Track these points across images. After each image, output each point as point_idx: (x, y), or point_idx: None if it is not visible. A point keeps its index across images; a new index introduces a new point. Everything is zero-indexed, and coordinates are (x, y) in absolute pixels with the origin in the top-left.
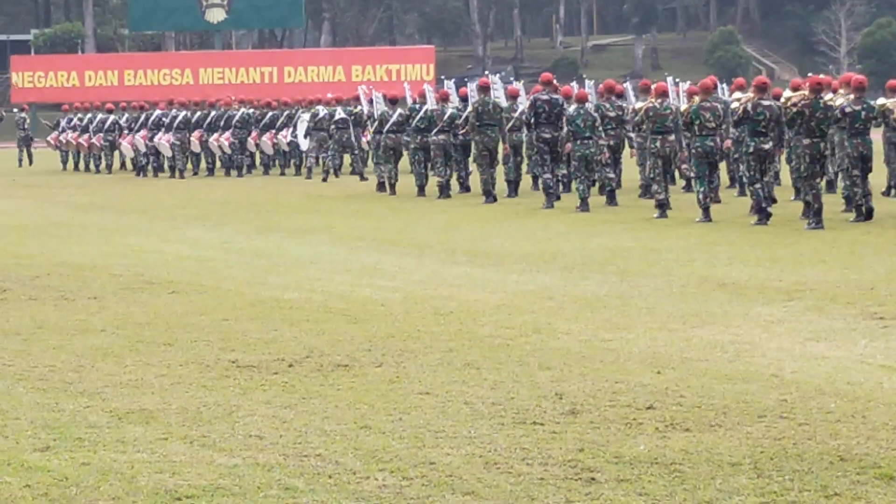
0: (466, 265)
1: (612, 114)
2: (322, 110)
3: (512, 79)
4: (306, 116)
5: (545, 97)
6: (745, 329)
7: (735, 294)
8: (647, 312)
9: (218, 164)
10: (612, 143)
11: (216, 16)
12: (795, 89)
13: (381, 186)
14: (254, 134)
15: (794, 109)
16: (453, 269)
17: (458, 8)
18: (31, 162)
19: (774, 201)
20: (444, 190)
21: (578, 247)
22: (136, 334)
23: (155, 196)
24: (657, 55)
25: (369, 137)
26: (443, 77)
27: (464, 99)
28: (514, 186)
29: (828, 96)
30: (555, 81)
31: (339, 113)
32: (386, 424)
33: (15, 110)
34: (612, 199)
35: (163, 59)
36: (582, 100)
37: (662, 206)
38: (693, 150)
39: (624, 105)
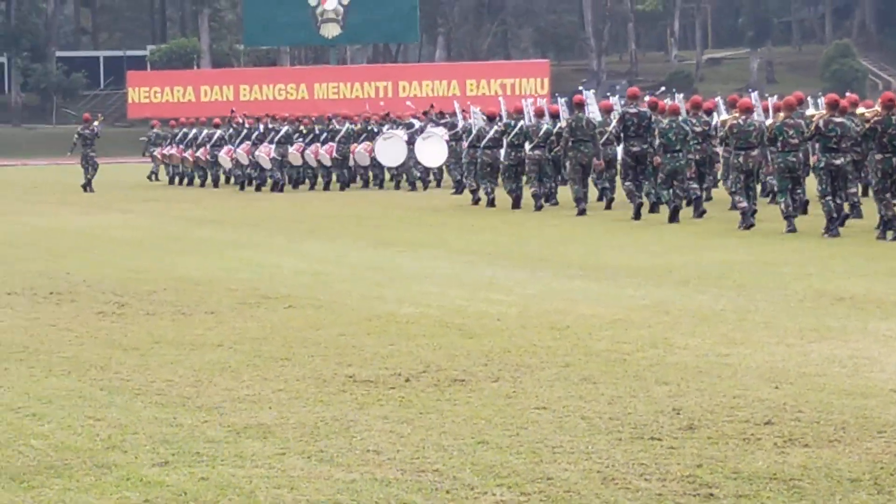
0: (581, 279)
1: (698, 129)
2: (417, 122)
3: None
4: (398, 132)
5: (633, 110)
6: (864, 343)
7: (853, 308)
8: (765, 327)
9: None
10: (698, 157)
11: (331, 31)
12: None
13: (476, 200)
14: (352, 146)
15: (868, 125)
16: (568, 284)
17: (572, 22)
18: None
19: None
20: (538, 202)
21: (693, 260)
22: (253, 349)
23: (269, 210)
24: (772, 69)
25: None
26: (556, 94)
27: (554, 116)
28: (609, 201)
29: None
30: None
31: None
32: (503, 439)
33: (155, 127)
34: (698, 212)
35: (278, 74)
36: (675, 113)
37: (744, 214)
38: (776, 166)
39: (710, 120)
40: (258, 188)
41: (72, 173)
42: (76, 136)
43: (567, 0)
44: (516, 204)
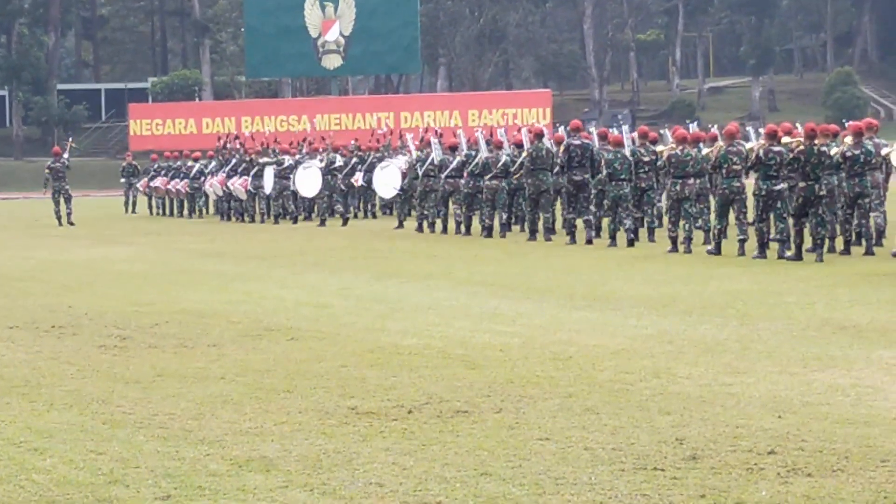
0: (585, 310)
1: (646, 158)
2: (288, 159)
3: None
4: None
5: (577, 142)
6: (868, 372)
7: (856, 337)
8: (768, 356)
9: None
10: (643, 185)
11: (333, 62)
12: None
13: (420, 227)
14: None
15: (792, 155)
16: (572, 314)
17: (574, 52)
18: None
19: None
20: (489, 231)
21: (697, 290)
22: (255, 381)
23: (273, 242)
24: (774, 97)
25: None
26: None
27: (518, 145)
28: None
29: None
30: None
31: (339, 161)
32: (506, 471)
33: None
34: (641, 237)
35: (280, 106)
36: (619, 144)
37: (674, 242)
38: (720, 191)
39: (656, 150)
40: (240, 218)
41: (74, 206)
42: (46, 170)
43: (568, 29)
44: (466, 231)
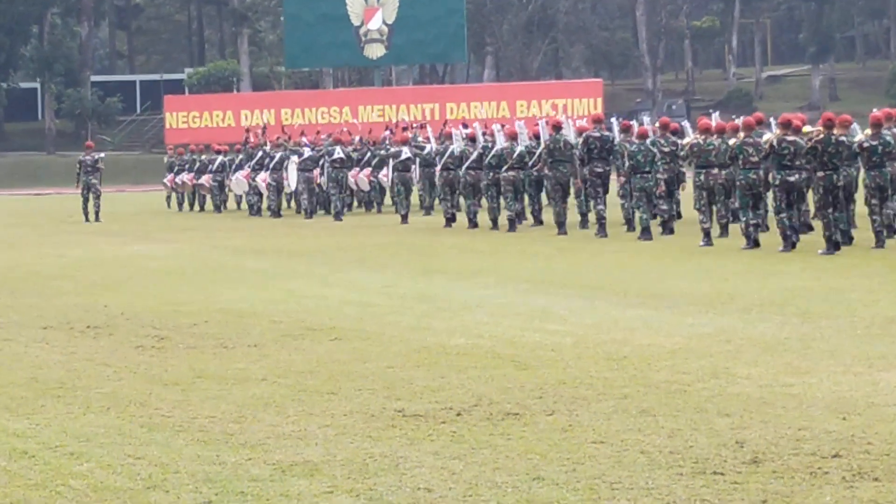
0: (639, 307)
1: (666, 149)
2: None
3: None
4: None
5: (596, 134)
6: None
7: None
8: (831, 355)
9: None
10: (666, 176)
11: (375, 51)
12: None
13: (448, 222)
14: (353, 172)
15: (809, 144)
16: (626, 312)
17: (626, 39)
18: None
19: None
20: (513, 223)
21: (756, 287)
22: (298, 383)
23: (314, 239)
24: (835, 85)
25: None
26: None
27: (536, 137)
28: (585, 218)
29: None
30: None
31: (339, 152)
32: (559, 475)
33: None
34: (668, 230)
35: (320, 97)
36: (643, 136)
37: (707, 234)
38: (738, 183)
39: (678, 141)
40: (257, 213)
41: (106, 202)
42: (77, 164)
43: (620, 16)
44: (494, 225)
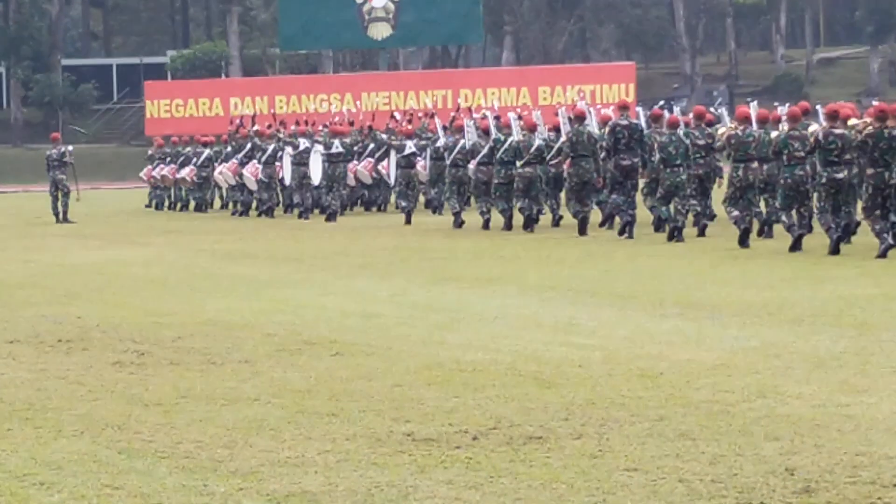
0: (677, 318)
1: (701, 142)
2: (304, 142)
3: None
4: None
5: (625, 122)
6: None
7: None
8: (893, 372)
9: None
10: (700, 172)
11: (381, 31)
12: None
13: (459, 224)
14: (351, 165)
15: (860, 138)
16: (662, 324)
17: (661, 18)
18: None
19: (810, 230)
20: (530, 223)
21: (808, 295)
22: (294, 404)
23: (311, 242)
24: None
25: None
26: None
27: (555, 129)
28: (611, 218)
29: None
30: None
31: (337, 146)
32: None
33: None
34: (701, 231)
35: (319, 83)
36: (674, 126)
37: (746, 234)
38: (782, 180)
39: (713, 132)
40: (244, 212)
41: (80, 200)
42: (45, 159)
43: None
44: (507, 225)
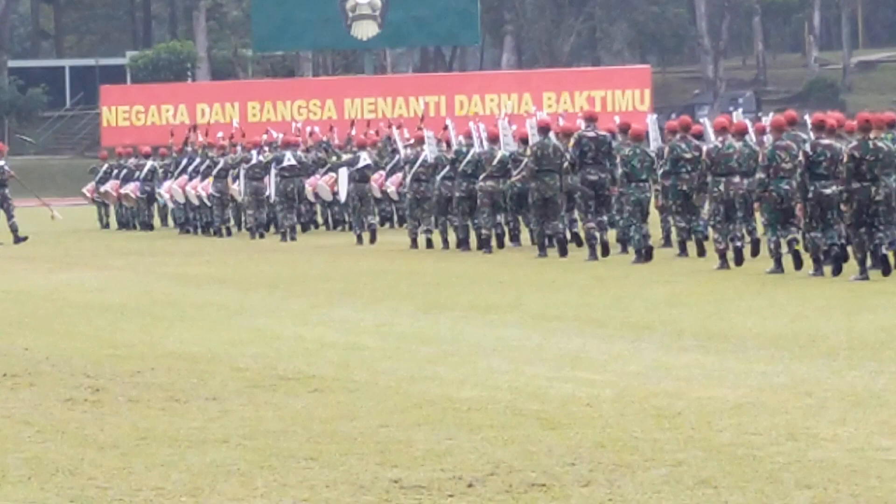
0: (697, 351)
1: (688, 155)
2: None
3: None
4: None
5: (591, 134)
6: None
7: None
8: None
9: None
10: (685, 187)
11: (366, 31)
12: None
13: (415, 243)
14: (312, 179)
15: (846, 152)
16: (680, 357)
17: (680, 16)
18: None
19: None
20: (487, 243)
21: (844, 326)
22: (268, 446)
23: (288, 266)
24: None
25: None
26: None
27: (524, 141)
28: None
29: None
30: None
31: (289, 159)
32: None
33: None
34: (682, 249)
35: (297, 87)
36: (637, 138)
37: (723, 257)
38: (767, 195)
39: (700, 145)
40: (204, 230)
41: (29, 218)
42: None
43: None
44: (463, 243)
